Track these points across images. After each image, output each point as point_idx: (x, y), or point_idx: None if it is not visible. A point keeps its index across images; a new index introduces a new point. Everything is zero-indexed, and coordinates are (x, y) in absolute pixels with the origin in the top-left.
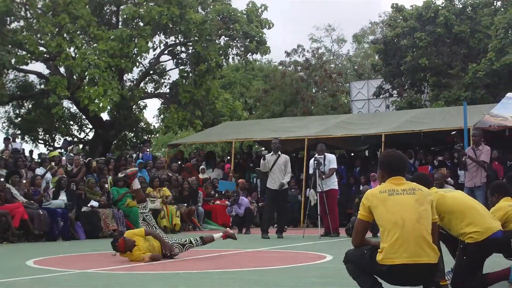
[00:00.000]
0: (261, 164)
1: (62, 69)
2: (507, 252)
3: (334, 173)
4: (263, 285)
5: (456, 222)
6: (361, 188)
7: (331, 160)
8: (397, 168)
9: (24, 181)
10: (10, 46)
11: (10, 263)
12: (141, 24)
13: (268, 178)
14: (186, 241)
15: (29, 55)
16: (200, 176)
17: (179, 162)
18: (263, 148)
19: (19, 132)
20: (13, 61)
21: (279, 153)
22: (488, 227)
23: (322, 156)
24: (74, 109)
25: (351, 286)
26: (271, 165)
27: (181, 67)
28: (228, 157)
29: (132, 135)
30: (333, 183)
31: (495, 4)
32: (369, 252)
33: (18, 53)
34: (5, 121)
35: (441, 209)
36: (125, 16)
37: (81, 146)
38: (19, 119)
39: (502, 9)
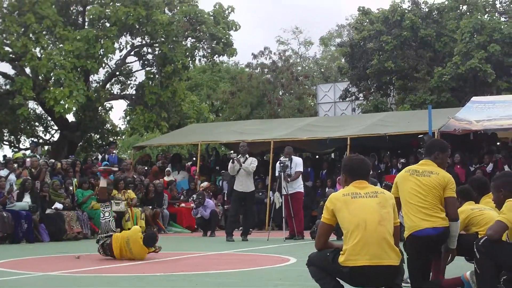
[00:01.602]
0: (229, 167)
1: (27, 70)
2: (465, 254)
3: (300, 176)
4: (226, 287)
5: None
6: (326, 191)
7: (298, 163)
8: (360, 172)
9: None
10: None
11: None
12: (107, 24)
13: (235, 180)
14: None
15: None
16: (166, 178)
17: (146, 168)
18: (231, 151)
19: None
20: None
21: (247, 155)
22: (413, 225)
23: (288, 158)
24: (39, 110)
25: None
26: (238, 168)
27: (147, 69)
28: (194, 158)
29: (98, 136)
30: (298, 186)
31: (460, 8)
32: (332, 255)
33: None
34: None
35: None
36: (91, 17)
37: (46, 147)
38: None
39: (467, 13)
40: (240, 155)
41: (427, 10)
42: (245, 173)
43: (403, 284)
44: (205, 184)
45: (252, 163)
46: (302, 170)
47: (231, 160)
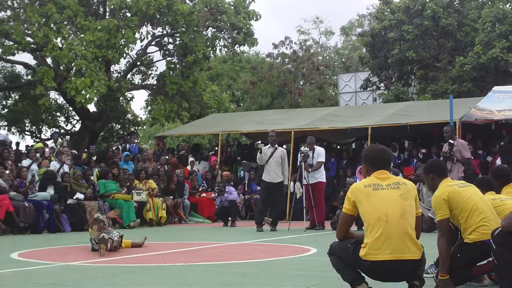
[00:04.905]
0: (258, 157)
1: (49, 60)
2: None
3: (322, 166)
4: (246, 278)
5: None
6: (346, 181)
7: (320, 153)
8: (381, 162)
9: (7, 172)
10: None
11: None
12: (128, 14)
13: (264, 170)
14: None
15: (16, 45)
16: (188, 168)
17: (167, 157)
18: (259, 142)
19: (5, 123)
20: (0, 51)
21: (276, 145)
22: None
23: (309, 149)
24: (61, 100)
25: (334, 278)
26: (267, 158)
27: (168, 59)
28: (216, 148)
29: (119, 127)
30: (320, 176)
31: None
32: (353, 247)
33: (5, 43)
34: None
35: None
36: (112, 7)
37: (67, 137)
38: (6, 110)
39: (489, 2)
40: (269, 145)
41: None
42: (275, 163)
43: (424, 275)
44: (225, 173)
45: (283, 160)
46: (324, 160)
47: (259, 151)
